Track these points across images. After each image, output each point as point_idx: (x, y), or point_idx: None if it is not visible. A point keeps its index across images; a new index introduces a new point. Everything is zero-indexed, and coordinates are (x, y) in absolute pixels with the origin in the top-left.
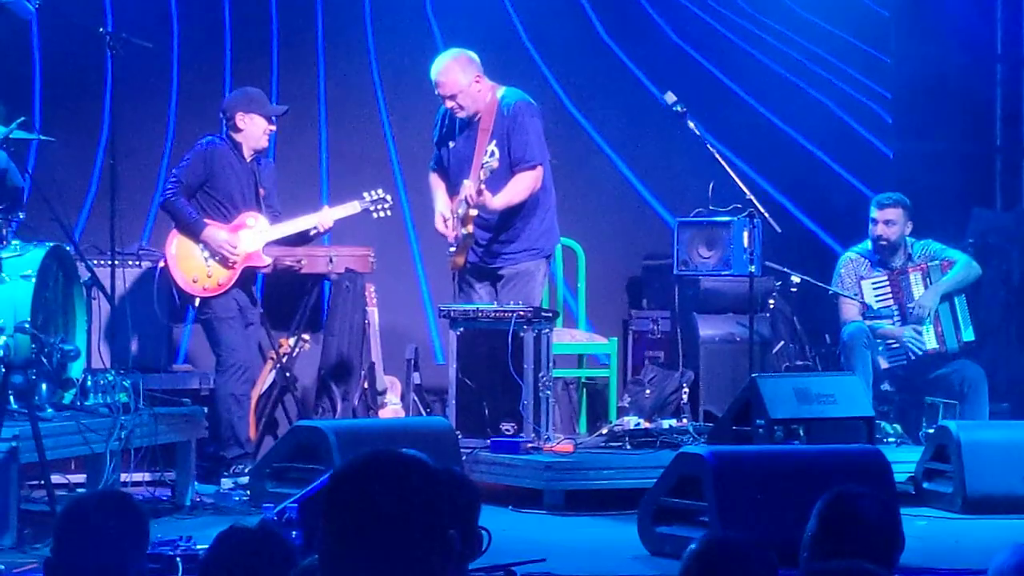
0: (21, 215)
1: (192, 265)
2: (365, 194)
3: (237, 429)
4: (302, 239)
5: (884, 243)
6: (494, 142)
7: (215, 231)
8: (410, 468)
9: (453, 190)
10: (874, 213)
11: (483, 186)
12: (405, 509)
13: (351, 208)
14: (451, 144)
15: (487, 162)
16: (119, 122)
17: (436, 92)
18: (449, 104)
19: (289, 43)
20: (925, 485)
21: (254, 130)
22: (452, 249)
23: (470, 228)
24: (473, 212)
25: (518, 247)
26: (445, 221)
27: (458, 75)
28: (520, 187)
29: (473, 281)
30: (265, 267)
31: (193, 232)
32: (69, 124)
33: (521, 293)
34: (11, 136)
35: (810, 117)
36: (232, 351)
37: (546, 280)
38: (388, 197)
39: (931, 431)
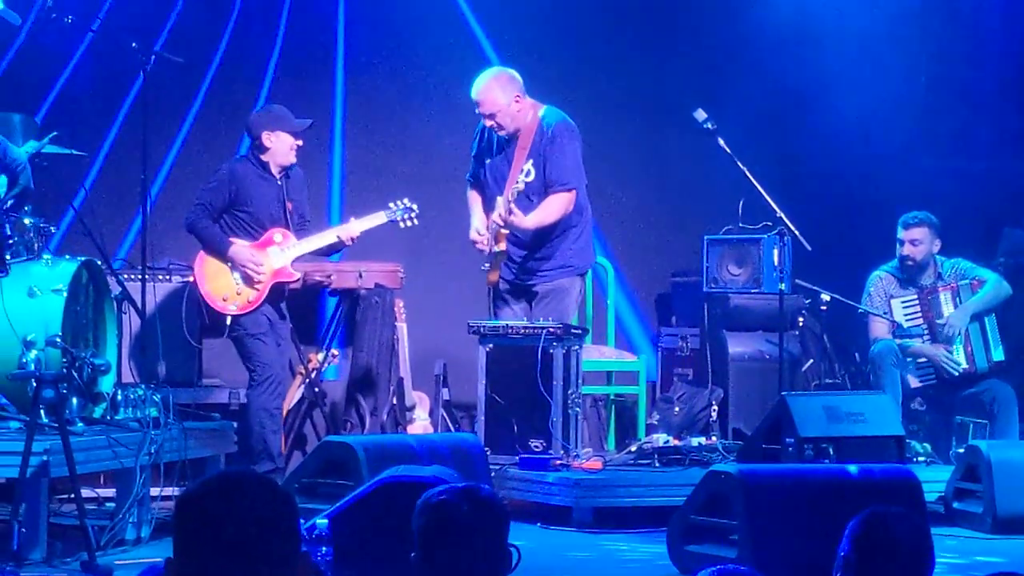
0: (53, 228)
1: (222, 284)
2: (391, 204)
3: (269, 443)
4: (331, 249)
5: (911, 263)
6: (531, 161)
7: (241, 249)
8: (255, 489)
9: (489, 205)
10: (900, 233)
11: (513, 205)
12: (239, 528)
13: (377, 219)
14: (488, 160)
15: (519, 181)
16: (151, 137)
17: (476, 111)
18: (489, 123)
19: (318, 60)
20: (955, 505)
21: (281, 147)
22: (486, 266)
23: (503, 245)
24: (505, 230)
25: (553, 264)
26: (479, 234)
27: (497, 94)
28: (552, 208)
29: (509, 298)
30: (294, 282)
31: (219, 252)
32: (101, 138)
33: (555, 310)
34: (43, 150)
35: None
36: (265, 366)
37: (580, 298)
38: (415, 206)
39: (961, 451)
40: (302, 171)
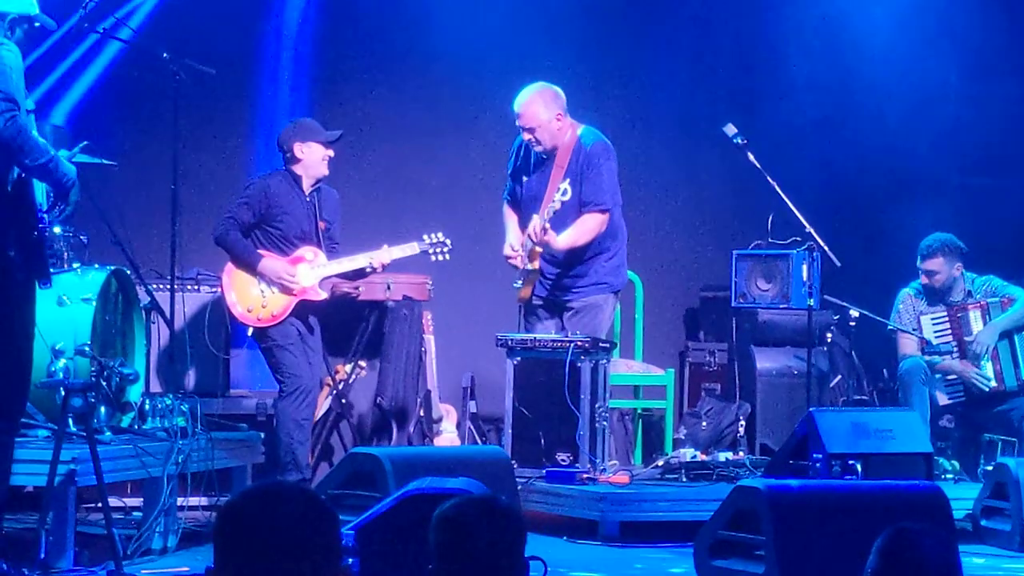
0: (83, 237)
1: (247, 296)
2: (425, 236)
3: (297, 454)
4: (358, 274)
5: (932, 291)
6: (568, 180)
7: (272, 262)
8: (297, 501)
9: (524, 223)
10: (918, 262)
11: (548, 224)
12: (280, 539)
13: (410, 249)
14: (525, 178)
15: (555, 200)
16: (182, 147)
17: (516, 122)
18: (527, 136)
19: (349, 72)
20: (983, 523)
21: (313, 158)
22: (519, 283)
23: (536, 264)
24: (539, 248)
25: (587, 281)
26: (513, 250)
27: (539, 109)
28: (585, 228)
29: (542, 313)
30: (320, 301)
31: (249, 265)
32: (132, 148)
33: (588, 325)
34: (74, 159)
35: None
36: (294, 376)
37: (614, 315)
38: (448, 241)
39: (989, 468)
40: (337, 194)
